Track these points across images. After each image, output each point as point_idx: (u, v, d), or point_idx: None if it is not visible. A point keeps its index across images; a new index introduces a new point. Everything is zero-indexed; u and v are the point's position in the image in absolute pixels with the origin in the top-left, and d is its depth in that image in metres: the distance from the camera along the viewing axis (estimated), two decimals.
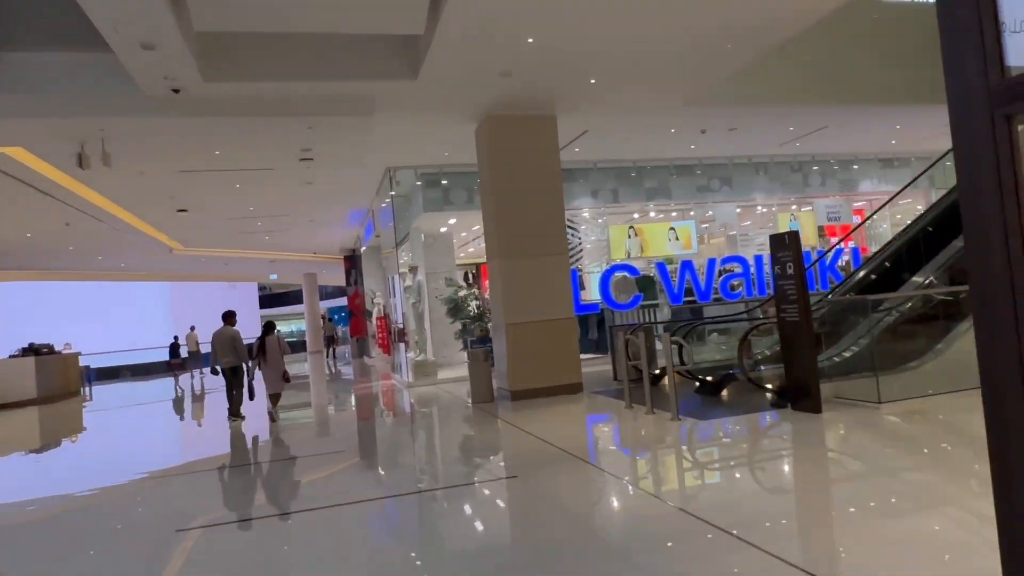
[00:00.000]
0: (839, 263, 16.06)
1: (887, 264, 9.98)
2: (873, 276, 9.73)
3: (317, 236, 21.43)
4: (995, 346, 1.81)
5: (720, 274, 14.99)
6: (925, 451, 5.43)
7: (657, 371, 9.60)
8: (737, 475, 5.28)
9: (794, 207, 16.62)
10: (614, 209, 14.85)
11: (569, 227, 13.36)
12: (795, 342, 6.84)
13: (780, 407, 7.03)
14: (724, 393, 8.26)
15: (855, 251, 16.06)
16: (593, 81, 8.96)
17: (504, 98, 9.27)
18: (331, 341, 28.70)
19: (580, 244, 14.74)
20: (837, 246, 15.13)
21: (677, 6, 7.01)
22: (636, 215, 15.51)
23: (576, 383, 9.75)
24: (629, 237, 14.81)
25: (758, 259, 15.08)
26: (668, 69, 8.77)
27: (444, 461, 7.00)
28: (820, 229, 16.19)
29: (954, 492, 4.28)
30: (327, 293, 42.76)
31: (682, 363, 8.96)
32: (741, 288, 15.08)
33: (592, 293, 14.56)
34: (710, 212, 15.59)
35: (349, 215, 18.16)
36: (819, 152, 15.25)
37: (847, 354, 8.12)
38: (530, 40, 7.50)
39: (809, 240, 15.98)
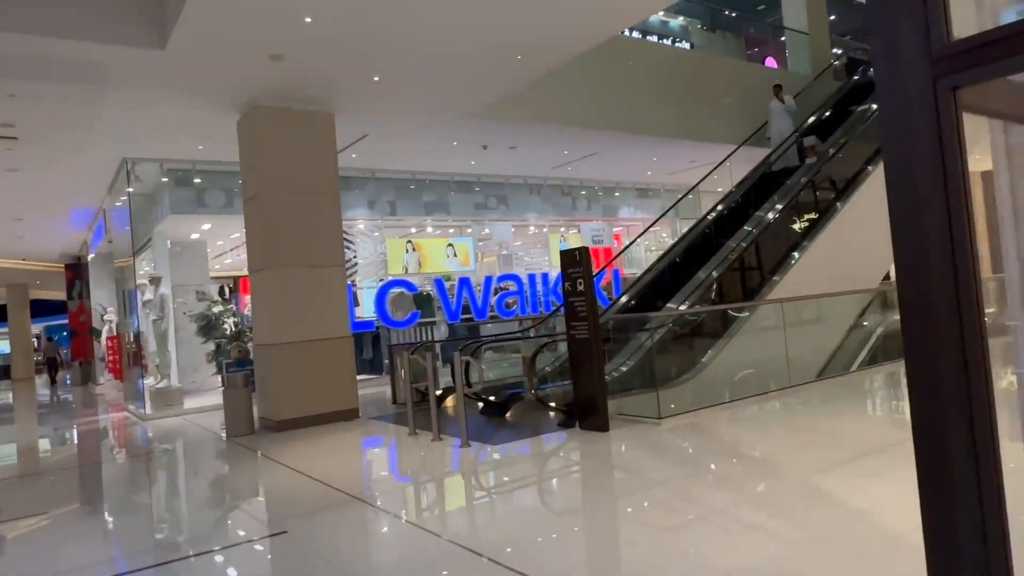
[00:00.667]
0: (601, 284, 17.03)
1: (644, 290, 10.53)
2: (632, 302, 10.11)
3: (28, 239, 17.70)
4: (930, 353, 1.48)
5: (496, 292, 15.03)
6: (702, 464, 5.46)
7: (439, 392, 9.06)
8: (532, 504, 4.88)
9: (563, 229, 17.34)
10: (392, 222, 14.15)
11: (344, 239, 12.38)
12: (584, 360, 6.71)
13: (568, 426, 6.85)
14: (509, 414, 7.95)
15: (616, 274, 17.16)
16: (377, 79, 8.23)
17: (275, 87, 8.14)
18: (53, 365, 24.36)
19: (355, 258, 13.79)
20: (603, 269, 16.03)
21: (474, 6, 6.63)
22: (414, 229, 14.97)
23: (352, 408, 8.79)
24: (407, 252, 14.20)
25: (531, 278, 15.41)
26: (456, 75, 8.37)
27: (190, 517, 5.59)
28: (561, 254, 17.04)
29: (725, 502, 4.30)
30: (50, 308, 36.17)
31: (468, 384, 8.56)
32: (516, 306, 15.26)
33: (367, 310, 13.69)
34: (487, 230, 15.60)
35: (72, 214, 15.18)
36: (587, 178, 16.04)
37: (624, 369, 8.33)
38: (308, 19, 6.57)
39: None
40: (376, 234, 14.02)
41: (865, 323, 9.83)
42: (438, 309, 13.94)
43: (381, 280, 13.54)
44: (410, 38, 7.23)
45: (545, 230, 16.82)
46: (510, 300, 14.91)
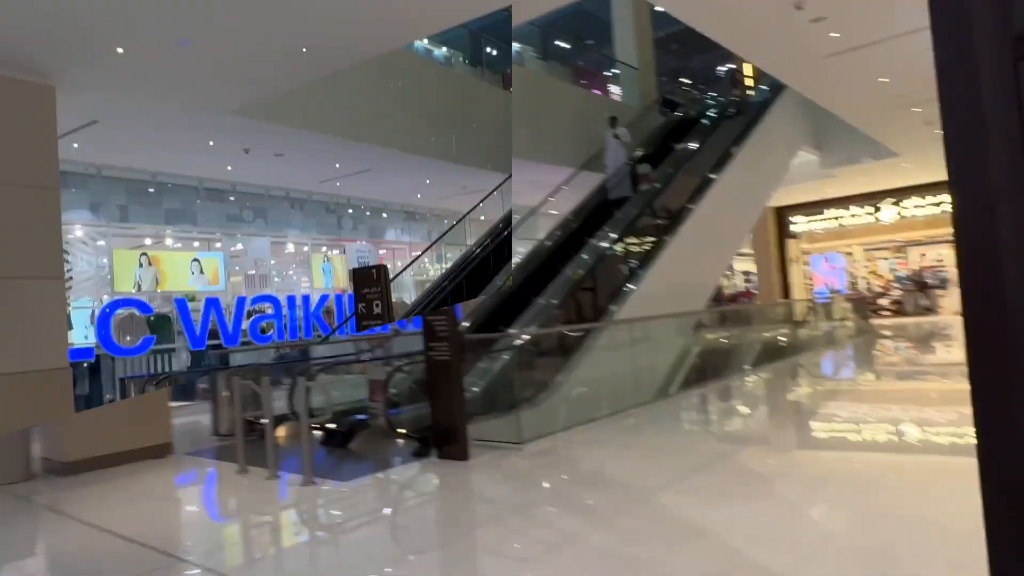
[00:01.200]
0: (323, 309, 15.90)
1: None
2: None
3: None
4: (1002, 389, 1.22)
5: (249, 315, 13.40)
6: (566, 492, 5.12)
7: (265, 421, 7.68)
8: (394, 548, 4.14)
9: (324, 248, 16.21)
10: (121, 230, 11.85)
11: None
12: (443, 383, 5.84)
13: (424, 456, 6.01)
14: (354, 444, 6.87)
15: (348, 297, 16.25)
16: (121, 51, 6.70)
17: None
18: None
19: (69, 271, 11.28)
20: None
21: None
22: (149, 240, 12.75)
23: (164, 443, 6.96)
24: (140, 266, 11.99)
25: (291, 300, 14.03)
26: (226, 61, 7.14)
27: None
28: (351, 272, 16.11)
29: (596, 535, 4.04)
30: None
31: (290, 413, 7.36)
32: (273, 330, 13.75)
33: (78, 335, 11.27)
34: (240, 245, 13.92)
35: None
36: (355, 196, 15.15)
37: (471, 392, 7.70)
38: None
39: (340, 283, 15.73)
40: (100, 243, 11.66)
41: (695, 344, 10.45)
42: (179, 334, 11.98)
43: (107, 297, 11.24)
44: (171, 4, 5.99)
45: (306, 248, 15.57)
46: (266, 324, 13.40)
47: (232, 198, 13.02)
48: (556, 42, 16.59)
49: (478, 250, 11.35)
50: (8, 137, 6.64)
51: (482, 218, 18.28)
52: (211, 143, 9.99)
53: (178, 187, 12.20)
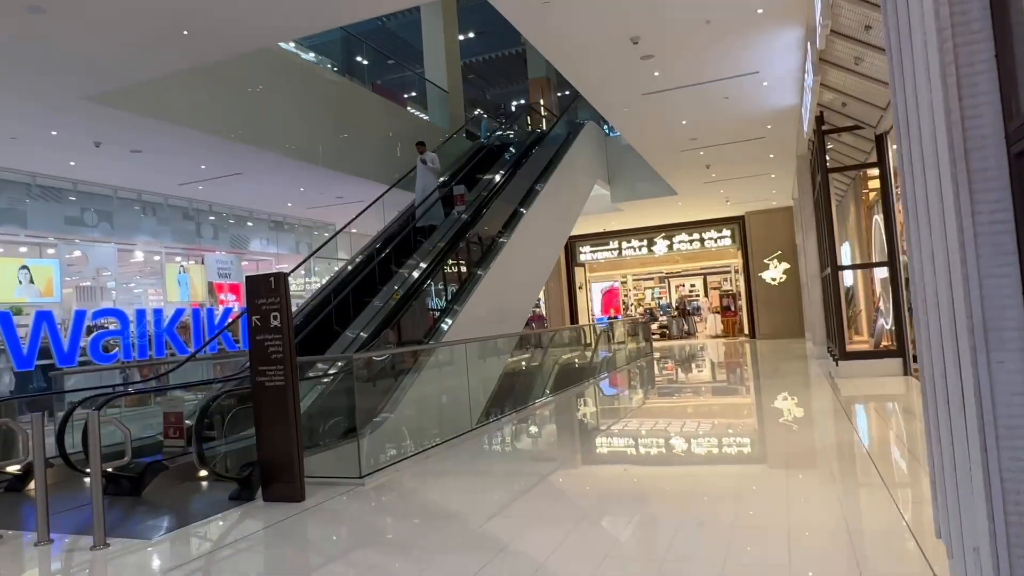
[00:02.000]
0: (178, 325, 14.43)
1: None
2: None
3: None
4: None
5: (89, 331, 11.78)
6: (421, 534, 4.10)
7: (17, 470, 6.34)
8: None
9: (179, 258, 14.71)
10: None
11: None
12: (276, 413, 5.25)
13: (246, 500, 5.28)
14: (148, 490, 5.80)
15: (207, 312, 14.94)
16: None
17: None
18: None
19: None
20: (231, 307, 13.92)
21: None
22: None
23: None
24: None
25: (140, 314, 12.48)
26: (90, 36, 6.12)
27: None
28: (210, 286, 14.73)
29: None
30: None
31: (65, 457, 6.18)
32: (118, 348, 12.16)
33: None
34: (78, 252, 12.25)
35: None
36: (219, 202, 13.89)
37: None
38: None
39: (198, 297, 14.32)
40: None
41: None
42: (2, 352, 10.27)
43: None
44: None
45: (157, 258, 14.02)
46: (110, 341, 11.83)
47: (73, 198, 11.40)
48: (358, 58, 16.08)
49: (350, 268, 10.57)
50: None
51: (354, 231, 17.54)
52: (53, 132, 8.61)
53: (5, 183, 10.52)
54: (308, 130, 11.05)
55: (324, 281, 10.83)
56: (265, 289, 5.13)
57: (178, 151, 9.77)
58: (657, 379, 13.10)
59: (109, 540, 4.25)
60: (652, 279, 28.17)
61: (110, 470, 5.60)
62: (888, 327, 10.59)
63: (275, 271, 5.42)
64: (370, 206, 11.45)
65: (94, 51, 6.35)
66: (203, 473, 5.87)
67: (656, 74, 8.04)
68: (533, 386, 10.27)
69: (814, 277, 13.09)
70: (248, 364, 5.28)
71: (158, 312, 12.40)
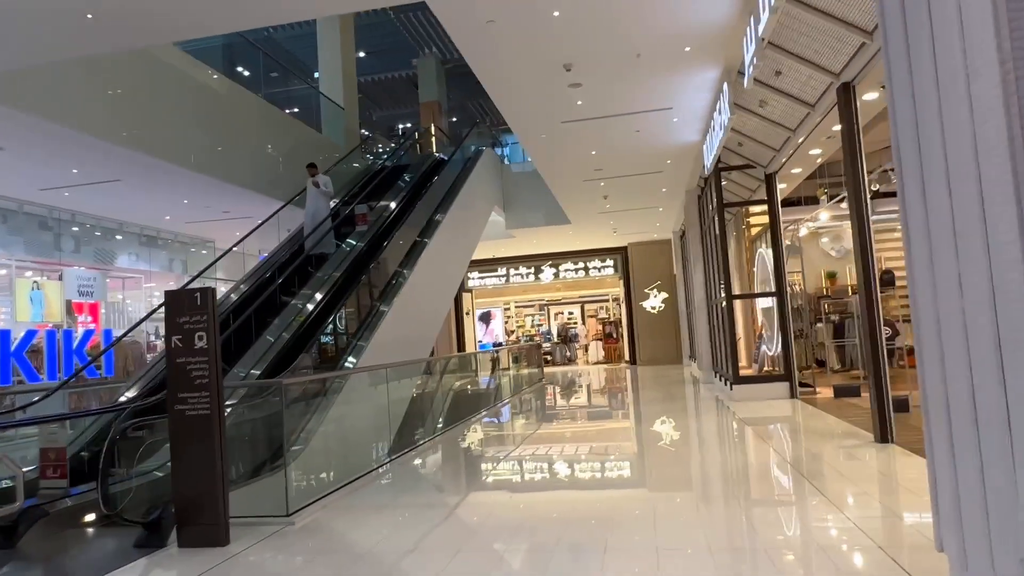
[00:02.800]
0: (87, 347, 13.12)
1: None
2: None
3: None
4: None
5: None
6: None
7: None
8: None
9: (31, 272, 12.99)
10: None
11: None
12: (197, 445, 4.61)
13: (156, 546, 4.57)
14: (26, 540, 4.70)
15: (107, 332, 13.54)
16: None
17: None
18: None
19: None
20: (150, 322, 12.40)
21: None
22: None
23: None
24: None
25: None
26: None
27: None
28: (68, 304, 13.10)
29: None
30: None
31: None
32: None
33: None
34: None
35: None
36: (84, 211, 12.43)
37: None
38: None
39: (54, 316, 12.69)
40: None
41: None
42: None
43: None
44: None
45: (3, 272, 12.30)
46: None
47: None
48: (240, 68, 15.12)
49: (234, 296, 9.62)
50: None
51: (236, 250, 16.39)
52: None
53: None
54: (198, 138, 10.23)
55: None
56: (189, 306, 4.56)
57: (49, 152, 8.65)
58: (561, 405, 13.18)
59: None
60: (532, 306, 28.69)
61: None
62: (771, 353, 11.31)
63: (205, 286, 4.84)
64: (262, 224, 10.72)
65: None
66: (90, 518, 5.11)
67: (579, 103, 8.18)
68: (439, 413, 9.97)
69: (700, 306, 13.78)
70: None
71: (5, 333, 10.88)
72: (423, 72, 23.69)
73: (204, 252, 15.82)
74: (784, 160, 9.50)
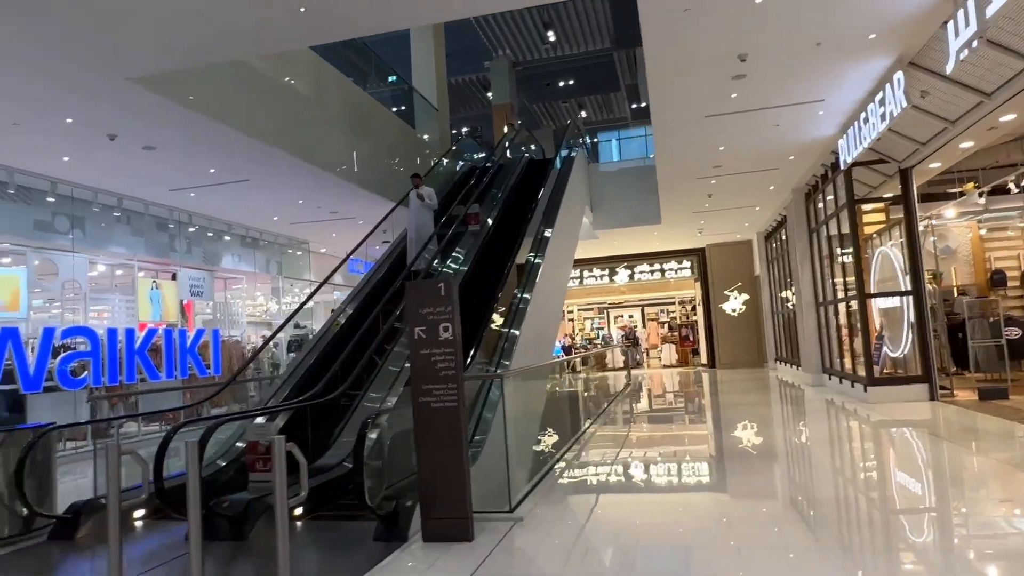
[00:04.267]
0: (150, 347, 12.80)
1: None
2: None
3: None
4: None
5: (55, 352, 10.22)
6: None
7: (64, 514, 5.16)
8: None
9: (142, 274, 13.19)
10: None
11: None
12: (444, 439, 4.55)
13: (397, 540, 4.50)
14: (255, 532, 4.78)
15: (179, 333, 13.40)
16: None
17: None
18: None
19: None
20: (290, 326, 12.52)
21: None
22: None
23: None
24: None
25: (111, 333, 10.98)
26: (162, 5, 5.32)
27: None
28: (181, 304, 13.28)
29: None
30: None
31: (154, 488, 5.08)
32: (88, 372, 10.60)
33: None
34: (46, 261, 10.67)
35: None
36: (199, 212, 12.62)
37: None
38: None
39: (170, 316, 12.87)
40: None
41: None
42: None
43: None
44: None
45: (120, 272, 12.51)
46: (79, 364, 10.32)
47: (52, 199, 9.97)
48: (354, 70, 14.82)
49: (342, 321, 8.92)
50: None
51: (322, 251, 16.47)
52: (68, 120, 7.39)
53: None
54: (328, 137, 10.26)
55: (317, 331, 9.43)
56: (432, 297, 4.49)
57: (194, 151, 8.76)
58: (678, 405, 12.86)
59: None
60: (591, 310, 28.35)
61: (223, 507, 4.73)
62: (894, 354, 10.92)
63: (443, 277, 4.74)
64: (375, 228, 10.58)
65: (153, 23, 5.48)
66: (298, 512, 5.07)
67: (733, 95, 7.98)
68: (579, 411, 9.77)
69: (807, 307, 13.42)
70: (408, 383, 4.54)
71: (130, 332, 11.04)
72: (495, 74, 23.73)
73: (299, 253, 15.98)
74: (929, 154, 9.16)
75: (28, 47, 5.67)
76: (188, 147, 8.59)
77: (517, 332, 7.80)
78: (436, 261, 9.68)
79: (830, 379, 12.60)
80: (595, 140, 22.54)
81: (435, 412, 4.44)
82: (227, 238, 13.67)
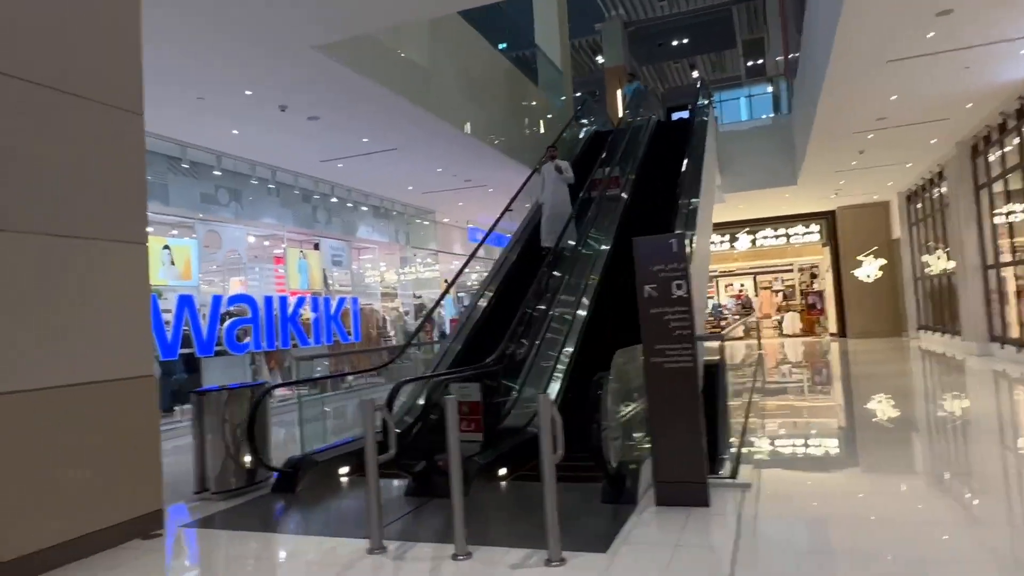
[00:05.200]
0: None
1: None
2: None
3: None
4: None
5: (222, 318, 10.77)
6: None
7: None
8: None
9: (287, 242, 13.70)
10: None
11: None
12: (679, 401, 4.35)
13: (627, 502, 4.38)
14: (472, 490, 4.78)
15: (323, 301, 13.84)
16: None
17: None
18: None
19: None
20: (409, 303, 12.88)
21: None
22: None
23: (152, 512, 4.55)
24: None
25: (268, 301, 11.47)
26: None
27: None
28: (324, 273, 13.74)
29: None
30: None
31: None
32: (249, 338, 11.15)
33: None
34: (205, 232, 11.23)
35: None
36: (343, 183, 12.93)
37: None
38: None
39: (315, 284, 13.34)
40: None
41: None
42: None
43: None
44: None
45: (267, 243, 13.03)
46: (243, 329, 10.85)
47: (218, 172, 10.43)
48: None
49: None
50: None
51: (444, 221, 16.52)
52: (248, 92, 7.62)
53: (152, 153, 9.51)
54: (471, 102, 10.15)
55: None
56: (663, 254, 4.26)
57: (355, 119, 8.85)
58: (849, 379, 12.12)
59: (564, 554, 3.47)
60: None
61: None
62: None
63: (676, 232, 4.49)
64: (515, 196, 10.23)
65: None
66: (503, 472, 4.99)
67: (930, 35, 7.23)
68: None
69: (972, 271, 12.34)
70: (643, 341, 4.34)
71: (283, 300, 11.46)
72: (608, 36, 23.04)
73: (426, 223, 16.13)
74: None
75: (228, 20, 5.77)
76: (349, 116, 8.70)
77: None
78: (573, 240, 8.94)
79: (1002, 347, 11.58)
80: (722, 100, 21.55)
81: (668, 373, 4.24)
82: (364, 208, 13.94)
